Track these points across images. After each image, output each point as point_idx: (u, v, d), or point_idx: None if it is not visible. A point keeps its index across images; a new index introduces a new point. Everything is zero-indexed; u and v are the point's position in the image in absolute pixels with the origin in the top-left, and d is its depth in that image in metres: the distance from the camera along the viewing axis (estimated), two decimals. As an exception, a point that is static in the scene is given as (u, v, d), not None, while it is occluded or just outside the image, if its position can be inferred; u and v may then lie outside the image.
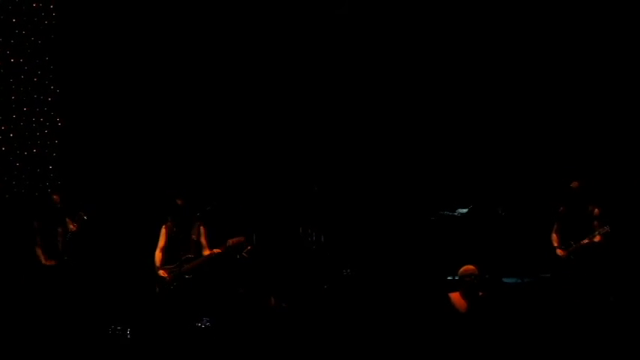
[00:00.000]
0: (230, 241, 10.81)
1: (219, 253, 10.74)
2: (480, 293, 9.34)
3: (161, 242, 10.80)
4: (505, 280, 12.35)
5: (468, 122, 13.80)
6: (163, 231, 10.84)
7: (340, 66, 14.08)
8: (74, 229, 11.39)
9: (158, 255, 10.76)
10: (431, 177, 13.66)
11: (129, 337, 10.88)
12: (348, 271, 12.63)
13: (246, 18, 13.92)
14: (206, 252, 10.72)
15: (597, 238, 10.88)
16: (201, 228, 10.82)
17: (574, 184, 11.16)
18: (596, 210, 11.04)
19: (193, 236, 10.76)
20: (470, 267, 9.35)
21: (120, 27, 13.57)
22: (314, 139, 14.06)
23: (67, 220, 11.45)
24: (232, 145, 13.91)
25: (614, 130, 13.15)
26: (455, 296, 9.38)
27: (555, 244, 11.23)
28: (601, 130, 13.21)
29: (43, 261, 11.13)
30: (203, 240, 10.79)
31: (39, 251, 11.21)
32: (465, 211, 12.59)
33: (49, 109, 12.91)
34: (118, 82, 13.62)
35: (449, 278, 12.02)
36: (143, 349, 10.42)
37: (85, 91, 13.45)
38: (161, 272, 10.65)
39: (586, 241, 10.90)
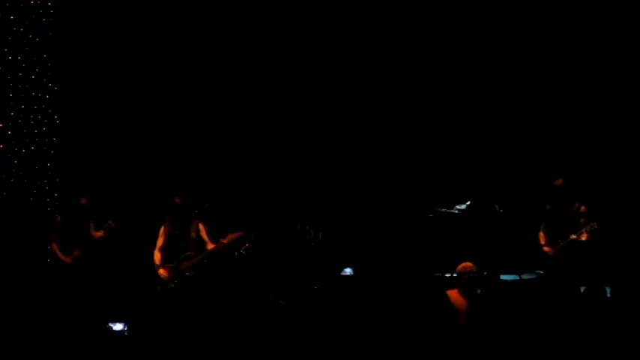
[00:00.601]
0: (230, 236, 10.79)
1: (217, 247, 10.74)
2: (479, 290, 9.34)
3: (160, 242, 10.83)
4: (503, 277, 12.35)
5: (466, 119, 13.80)
6: (162, 230, 10.86)
7: (341, 63, 14.06)
8: (101, 235, 11.45)
9: (157, 255, 10.78)
10: (428, 174, 13.65)
11: (127, 334, 10.89)
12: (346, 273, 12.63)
13: (244, 17, 13.92)
14: (210, 246, 10.73)
15: (584, 236, 10.88)
16: (200, 225, 10.82)
17: (558, 182, 11.18)
18: (583, 207, 11.04)
19: (192, 234, 10.76)
20: (468, 264, 9.36)
21: (118, 24, 13.57)
22: (313, 135, 14.05)
23: (91, 223, 11.51)
24: (230, 143, 13.90)
25: (602, 128, 13.18)
26: (453, 294, 9.39)
27: (543, 242, 11.26)
28: (590, 128, 13.24)
29: (61, 256, 11.17)
30: (204, 236, 10.79)
31: (55, 247, 11.25)
32: (462, 207, 12.58)
33: (47, 107, 12.90)
34: (116, 79, 13.61)
35: (447, 275, 12.02)
36: (143, 347, 10.43)
37: (83, 89, 13.44)
38: (161, 271, 10.67)
39: (573, 237, 10.91)
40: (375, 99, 14.07)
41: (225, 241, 10.75)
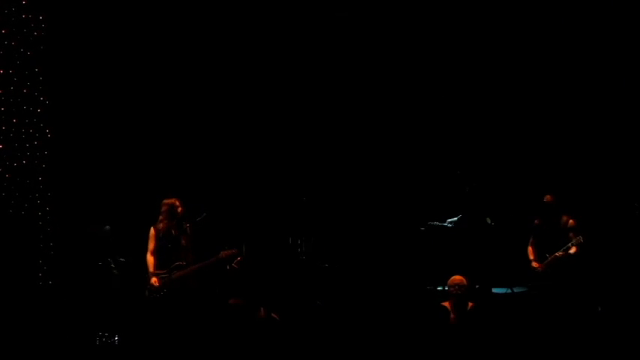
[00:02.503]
0: (223, 253, 10.75)
1: (210, 262, 10.68)
2: (470, 303, 9.35)
3: (151, 245, 10.72)
4: (495, 290, 12.34)
5: (459, 131, 13.82)
6: (152, 233, 10.77)
7: (333, 78, 14.09)
8: None
9: (150, 259, 10.67)
10: (420, 187, 13.66)
11: (117, 344, 10.86)
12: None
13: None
14: (190, 256, 10.66)
15: (572, 250, 10.89)
16: (187, 227, 10.74)
17: (547, 198, 11.19)
18: (571, 221, 11.05)
19: (183, 241, 10.71)
20: (458, 277, 9.37)
21: (110, 37, 13.59)
22: (304, 148, 14.06)
23: None
24: (221, 156, 13.90)
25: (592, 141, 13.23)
26: (445, 306, 9.41)
27: (531, 258, 11.26)
28: (580, 141, 13.29)
29: None
30: (189, 240, 10.70)
31: None
32: (454, 220, 12.57)
33: (39, 121, 12.89)
34: (108, 93, 13.63)
35: (439, 289, 12.02)
36: (132, 357, 10.40)
37: (74, 103, 13.45)
38: (153, 280, 10.57)
39: (561, 253, 10.91)
40: (369, 111, 14.08)
41: (217, 258, 10.70)
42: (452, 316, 9.31)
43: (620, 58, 13.03)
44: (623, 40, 13.01)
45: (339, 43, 13.97)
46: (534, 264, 11.21)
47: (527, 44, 13.46)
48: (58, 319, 11.30)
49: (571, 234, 10.99)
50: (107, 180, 13.47)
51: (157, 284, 10.54)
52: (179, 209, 10.77)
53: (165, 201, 10.88)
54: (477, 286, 11.81)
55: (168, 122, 13.80)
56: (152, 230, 10.77)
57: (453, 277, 9.38)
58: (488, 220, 12.31)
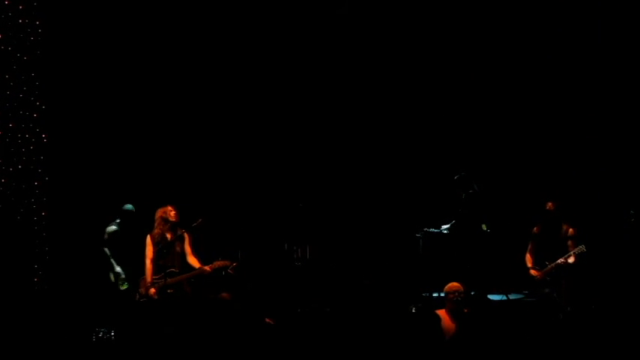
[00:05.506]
0: (217, 263, 10.74)
1: (202, 272, 10.66)
2: (465, 310, 9.37)
3: (150, 253, 10.74)
4: (490, 296, 12.35)
5: (454, 137, 13.84)
6: (149, 240, 10.79)
7: (329, 82, 14.11)
8: None
9: (149, 267, 10.70)
10: (415, 194, 13.67)
11: (113, 339, 10.86)
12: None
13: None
14: (190, 258, 10.67)
15: (572, 259, 10.88)
16: (185, 235, 10.77)
17: (549, 205, 11.19)
18: (571, 229, 11.05)
19: (177, 248, 10.73)
20: (454, 284, 9.39)
21: (106, 43, 13.59)
22: (300, 153, 14.07)
23: None
24: (218, 162, 13.91)
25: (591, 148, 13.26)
26: (441, 313, 9.42)
27: (529, 265, 11.25)
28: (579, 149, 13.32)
29: None
30: (187, 247, 10.74)
31: None
32: (449, 227, 12.57)
33: (35, 126, 12.90)
34: (104, 98, 13.62)
35: (434, 295, 12.02)
36: (129, 353, 10.40)
37: (70, 108, 13.44)
38: (152, 290, 10.57)
39: (561, 260, 10.91)
40: (363, 115, 14.09)
41: (209, 268, 10.68)
42: (448, 323, 9.32)
43: (621, 65, 13.05)
44: (624, 42, 13.03)
45: (338, 41, 13.98)
46: (532, 271, 11.20)
47: (528, 47, 13.48)
48: (54, 320, 11.32)
49: (570, 242, 10.99)
50: (103, 185, 13.45)
51: (156, 296, 10.53)
52: (172, 213, 10.82)
53: (160, 208, 10.95)
54: (472, 293, 11.81)
55: (164, 128, 13.80)
56: (148, 238, 10.83)
57: (450, 284, 9.39)
58: (484, 227, 12.29)
